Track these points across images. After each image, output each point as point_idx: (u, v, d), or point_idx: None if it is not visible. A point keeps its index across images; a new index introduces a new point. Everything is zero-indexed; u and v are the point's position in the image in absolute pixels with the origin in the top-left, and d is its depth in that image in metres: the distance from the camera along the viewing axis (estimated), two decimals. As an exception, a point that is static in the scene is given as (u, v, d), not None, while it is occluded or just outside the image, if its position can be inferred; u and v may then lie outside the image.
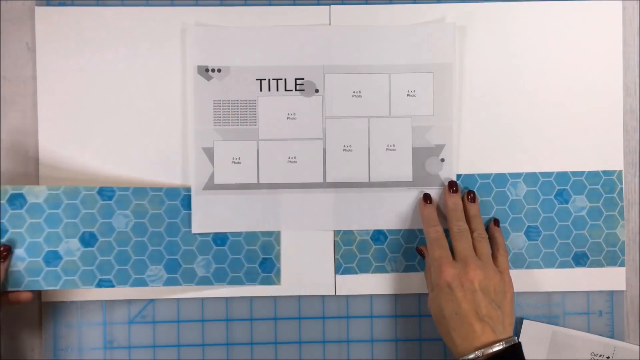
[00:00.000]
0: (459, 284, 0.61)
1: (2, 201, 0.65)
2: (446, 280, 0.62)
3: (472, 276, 0.61)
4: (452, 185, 0.68)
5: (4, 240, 0.65)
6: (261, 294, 0.70)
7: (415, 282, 0.70)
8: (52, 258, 0.66)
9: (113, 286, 0.67)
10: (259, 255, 0.70)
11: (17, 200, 0.66)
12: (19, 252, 0.66)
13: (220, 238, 0.69)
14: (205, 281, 0.69)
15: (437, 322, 0.63)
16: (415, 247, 0.70)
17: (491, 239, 0.67)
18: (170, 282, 0.68)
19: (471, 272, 0.61)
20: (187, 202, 0.69)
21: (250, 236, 0.70)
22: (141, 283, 0.67)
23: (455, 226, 0.66)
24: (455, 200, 0.68)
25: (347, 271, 0.70)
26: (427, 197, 0.69)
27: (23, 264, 0.66)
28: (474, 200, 0.68)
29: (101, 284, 0.67)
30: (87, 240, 0.67)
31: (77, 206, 0.67)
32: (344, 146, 0.70)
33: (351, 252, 0.70)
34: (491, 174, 0.71)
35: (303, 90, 0.69)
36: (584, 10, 0.71)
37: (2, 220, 0.65)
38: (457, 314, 0.60)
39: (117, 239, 0.67)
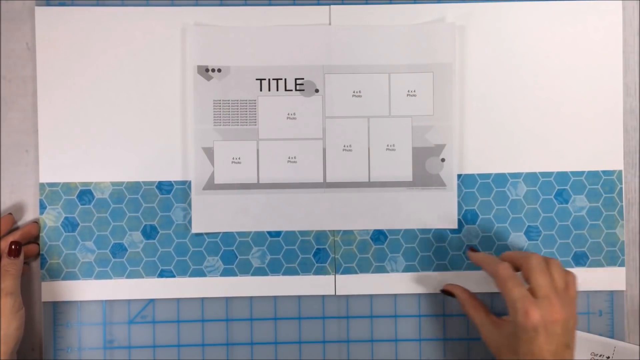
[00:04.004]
0: (543, 328, 0.58)
1: (73, 197, 0.70)
2: (533, 323, 0.57)
3: (557, 317, 0.58)
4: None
5: (76, 232, 0.70)
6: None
7: (415, 282, 0.70)
8: (118, 250, 0.70)
9: (174, 276, 0.70)
10: (313, 246, 0.70)
11: (85, 195, 0.70)
12: (89, 244, 0.70)
13: (274, 229, 0.71)
14: (260, 272, 0.70)
15: (504, 352, 0.60)
16: (442, 289, 0.70)
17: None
18: (226, 273, 0.70)
19: (555, 314, 0.58)
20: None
21: None
22: (199, 274, 0.70)
23: (534, 259, 0.61)
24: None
25: (347, 271, 0.70)
26: (474, 248, 0.70)
27: (93, 255, 0.70)
28: None
29: (163, 274, 0.70)
30: (149, 232, 0.70)
31: (138, 200, 0.70)
32: (344, 146, 0.70)
33: (351, 252, 0.70)
34: (491, 173, 0.71)
35: (303, 90, 0.69)
36: (584, 10, 0.71)
37: (73, 215, 0.70)
38: (532, 354, 0.58)
39: (175, 231, 0.70)
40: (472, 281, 0.70)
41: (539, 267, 0.60)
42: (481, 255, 0.67)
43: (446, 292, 0.69)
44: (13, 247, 0.66)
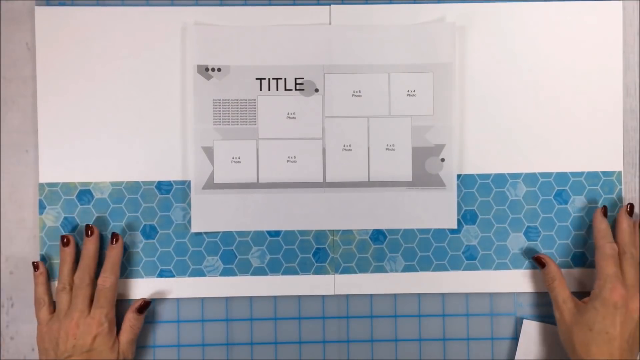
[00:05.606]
0: (623, 308, 0.63)
1: (72, 197, 0.70)
2: (615, 299, 0.63)
3: (638, 307, 0.64)
4: (631, 208, 0.69)
5: (76, 233, 0.70)
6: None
7: (414, 282, 0.70)
8: None
9: (173, 276, 0.70)
10: (313, 246, 0.70)
11: (84, 196, 0.70)
12: None
13: (274, 229, 0.71)
14: (260, 272, 0.70)
15: (576, 330, 0.65)
16: (533, 256, 0.70)
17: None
18: (226, 272, 0.70)
19: (636, 303, 0.64)
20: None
21: None
22: (199, 273, 0.70)
23: (629, 250, 0.67)
24: (630, 224, 0.68)
25: (346, 271, 0.70)
26: (604, 211, 0.69)
27: None
28: None
29: (162, 274, 0.70)
30: (148, 232, 0.70)
31: (137, 200, 0.69)
32: (344, 146, 0.70)
33: (350, 252, 0.70)
34: (491, 174, 0.71)
35: (303, 89, 0.69)
36: (584, 10, 0.71)
37: (73, 215, 0.70)
38: (607, 334, 0.63)
39: (175, 231, 0.69)
40: (471, 281, 0.70)
41: (631, 259, 0.66)
42: (604, 225, 0.68)
43: (538, 261, 0.69)
44: (144, 304, 0.68)
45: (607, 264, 0.65)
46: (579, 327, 0.64)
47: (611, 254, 0.66)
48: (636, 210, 0.71)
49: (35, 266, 0.68)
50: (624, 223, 0.68)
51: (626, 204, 0.69)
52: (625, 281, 0.65)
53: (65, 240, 0.67)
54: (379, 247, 0.70)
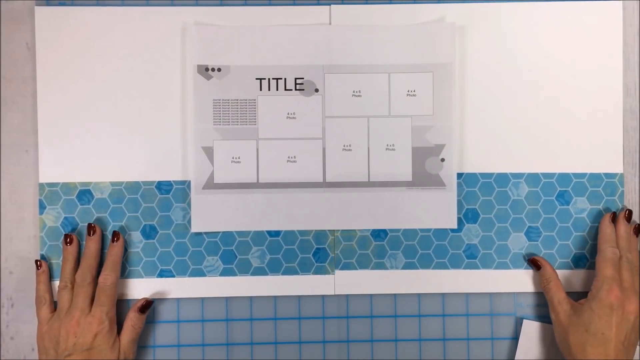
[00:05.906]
0: (620, 309, 0.64)
1: (72, 197, 0.70)
2: (611, 300, 0.64)
3: (634, 309, 0.64)
4: (629, 215, 0.70)
5: (76, 232, 0.70)
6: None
7: (414, 280, 0.70)
8: None
9: (173, 276, 0.70)
10: (313, 245, 0.70)
11: (84, 195, 0.69)
12: None
13: (274, 229, 0.71)
14: (260, 272, 0.70)
15: (572, 331, 0.65)
16: (529, 258, 0.71)
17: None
18: (226, 272, 0.70)
19: (634, 305, 0.64)
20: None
21: None
22: (199, 273, 0.70)
23: (625, 255, 0.67)
24: (627, 229, 0.69)
25: (347, 267, 0.70)
26: (613, 217, 0.70)
27: None
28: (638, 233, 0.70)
29: (162, 274, 0.70)
30: (148, 232, 0.70)
31: (137, 200, 0.69)
32: (344, 146, 0.70)
33: (351, 248, 0.70)
34: (493, 173, 0.71)
35: (303, 89, 0.69)
36: (584, 10, 0.71)
37: (73, 215, 0.70)
38: (603, 335, 0.63)
39: (175, 231, 0.69)
40: (471, 281, 0.70)
41: (628, 265, 0.67)
42: (610, 230, 0.69)
43: (533, 263, 0.70)
44: (146, 303, 0.68)
45: (606, 266, 0.66)
46: (575, 328, 0.65)
47: (611, 258, 0.67)
48: (636, 212, 0.71)
49: (38, 265, 0.68)
50: (622, 229, 0.69)
51: (625, 209, 0.70)
52: (622, 283, 0.65)
53: (68, 239, 0.67)
54: (380, 244, 0.70)
